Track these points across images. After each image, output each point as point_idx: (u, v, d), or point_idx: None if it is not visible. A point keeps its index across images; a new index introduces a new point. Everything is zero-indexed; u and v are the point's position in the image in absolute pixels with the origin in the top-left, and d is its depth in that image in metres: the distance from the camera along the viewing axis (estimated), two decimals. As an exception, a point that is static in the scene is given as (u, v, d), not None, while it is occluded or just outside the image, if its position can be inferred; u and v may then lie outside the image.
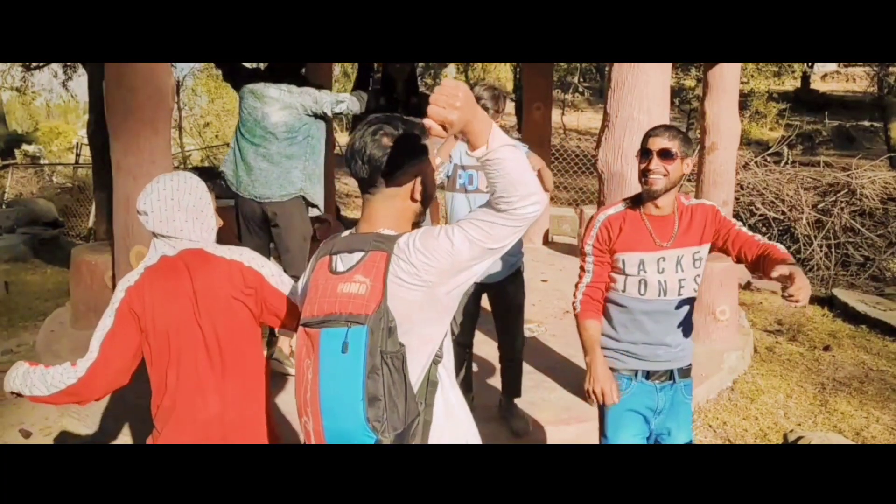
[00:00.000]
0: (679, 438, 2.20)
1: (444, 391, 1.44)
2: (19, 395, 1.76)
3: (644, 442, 2.23)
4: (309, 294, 1.45)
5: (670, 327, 2.15)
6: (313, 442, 1.38)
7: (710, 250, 2.15)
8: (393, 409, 1.31)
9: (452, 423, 1.45)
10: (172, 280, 1.75)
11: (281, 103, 3.54)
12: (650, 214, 2.12)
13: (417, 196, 1.45)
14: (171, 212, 1.75)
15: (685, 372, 2.22)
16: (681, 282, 2.10)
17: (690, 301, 2.15)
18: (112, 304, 1.77)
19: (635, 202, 2.16)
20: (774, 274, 1.77)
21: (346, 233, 1.51)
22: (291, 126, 3.57)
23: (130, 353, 1.77)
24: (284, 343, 3.52)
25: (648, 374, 2.17)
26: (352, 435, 1.31)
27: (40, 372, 1.74)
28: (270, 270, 1.82)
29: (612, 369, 2.18)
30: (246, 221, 3.72)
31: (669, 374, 2.18)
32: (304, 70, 3.83)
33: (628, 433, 2.18)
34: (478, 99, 2.77)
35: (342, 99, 3.62)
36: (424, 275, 1.33)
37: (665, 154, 2.04)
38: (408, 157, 1.42)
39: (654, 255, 2.09)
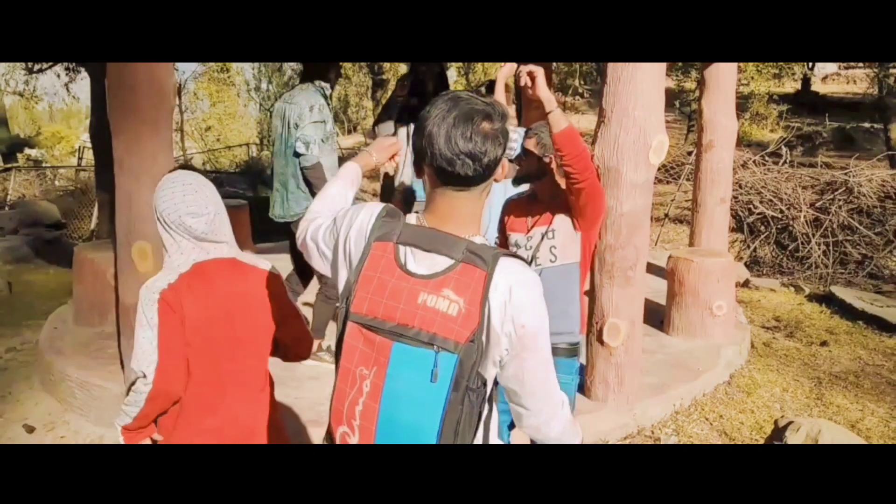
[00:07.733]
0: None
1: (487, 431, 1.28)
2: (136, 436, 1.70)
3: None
4: (364, 282, 1.20)
5: None
6: None
7: (573, 208, 2.32)
8: None
9: None
10: (213, 286, 1.70)
11: (291, 123, 3.64)
12: (533, 201, 2.43)
13: (500, 176, 1.26)
14: (221, 215, 1.72)
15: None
16: (536, 254, 2.36)
17: (551, 274, 2.30)
18: (145, 314, 1.64)
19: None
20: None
21: (413, 220, 1.26)
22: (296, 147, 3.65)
23: (183, 347, 1.67)
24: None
25: None
26: None
27: (122, 406, 1.68)
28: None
29: None
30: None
31: None
32: (338, 73, 3.91)
33: None
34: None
35: (311, 148, 3.56)
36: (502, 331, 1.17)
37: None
38: (506, 140, 1.22)
39: (524, 237, 2.41)
